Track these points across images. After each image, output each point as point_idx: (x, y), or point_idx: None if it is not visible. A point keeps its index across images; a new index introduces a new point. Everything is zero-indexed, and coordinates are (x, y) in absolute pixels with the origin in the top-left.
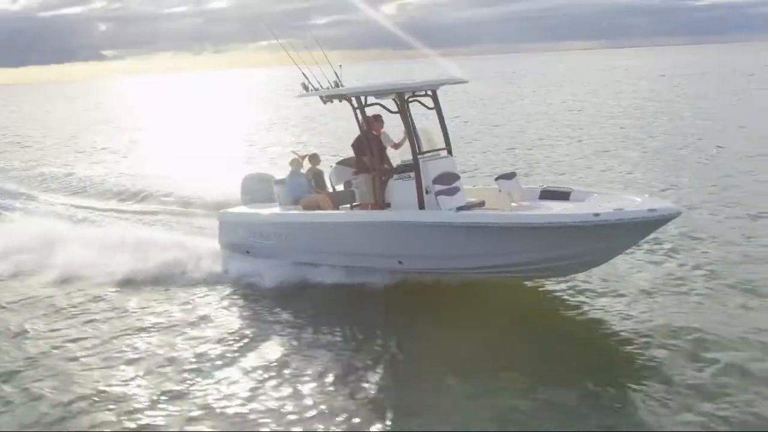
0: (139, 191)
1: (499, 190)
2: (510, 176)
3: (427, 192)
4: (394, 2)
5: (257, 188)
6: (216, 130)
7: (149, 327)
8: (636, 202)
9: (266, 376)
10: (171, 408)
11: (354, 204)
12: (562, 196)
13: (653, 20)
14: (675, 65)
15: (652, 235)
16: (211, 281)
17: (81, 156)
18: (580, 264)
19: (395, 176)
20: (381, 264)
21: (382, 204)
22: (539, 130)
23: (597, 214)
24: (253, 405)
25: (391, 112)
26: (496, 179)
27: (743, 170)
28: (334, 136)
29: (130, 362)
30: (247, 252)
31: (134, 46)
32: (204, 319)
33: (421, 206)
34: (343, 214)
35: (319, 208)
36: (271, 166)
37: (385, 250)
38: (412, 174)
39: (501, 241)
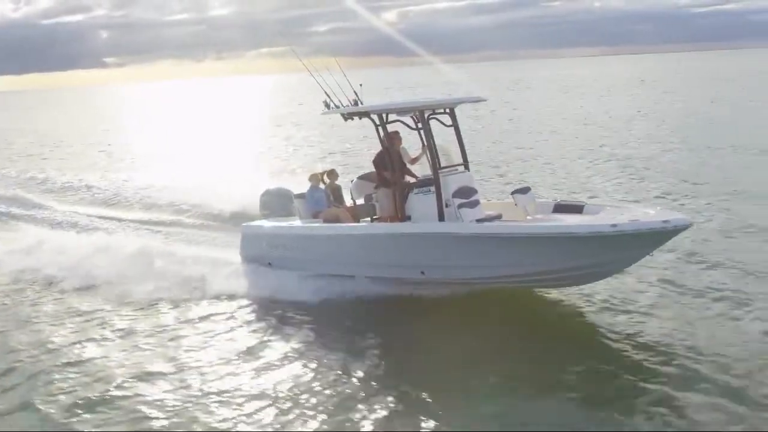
0: (151, 202)
1: (515, 204)
2: (525, 190)
3: (447, 205)
4: (395, 9)
5: (276, 203)
6: (223, 139)
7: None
8: (650, 214)
9: (275, 379)
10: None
11: (374, 217)
12: (576, 209)
13: (656, 27)
14: (681, 72)
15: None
16: (228, 294)
17: (91, 165)
18: (596, 273)
19: (415, 190)
20: (403, 274)
21: (402, 217)
22: (542, 142)
23: (614, 225)
24: (257, 406)
25: (411, 128)
26: (512, 193)
27: (750, 178)
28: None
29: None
30: (269, 264)
31: (136, 54)
32: (216, 330)
33: (441, 219)
34: (368, 226)
35: (339, 221)
36: (272, 177)
37: (408, 261)
38: (432, 188)
39: (522, 251)
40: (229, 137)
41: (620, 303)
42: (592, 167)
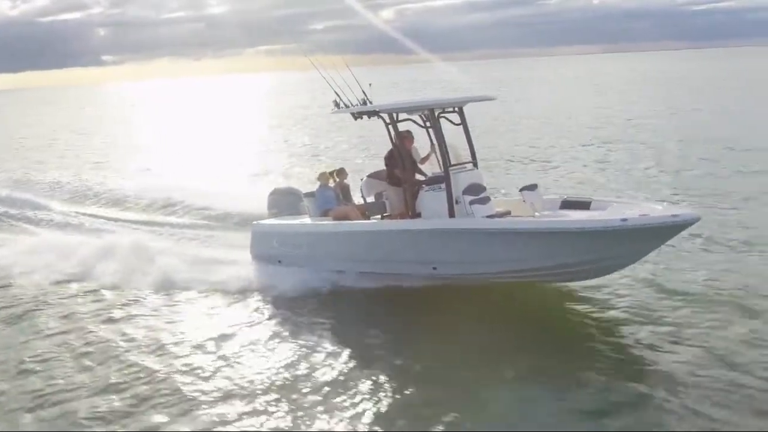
0: (154, 203)
1: (523, 201)
2: (532, 187)
3: (457, 202)
4: (393, 7)
5: (284, 201)
6: (226, 139)
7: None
8: (658, 209)
9: (279, 375)
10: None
11: (385, 215)
12: (583, 205)
13: (653, 25)
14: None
15: None
16: (235, 291)
17: (89, 164)
18: (606, 267)
19: (426, 187)
20: (415, 270)
21: (413, 214)
22: (541, 138)
23: (624, 219)
24: (258, 404)
25: (420, 126)
26: (520, 190)
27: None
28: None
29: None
30: (279, 262)
31: (133, 52)
32: (225, 325)
33: (452, 216)
34: (379, 223)
35: (348, 219)
36: (279, 176)
37: (420, 257)
38: (443, 185)
39: (533, 247)
40: (232, 137)
41: (628, 300)
42: (593, 164)
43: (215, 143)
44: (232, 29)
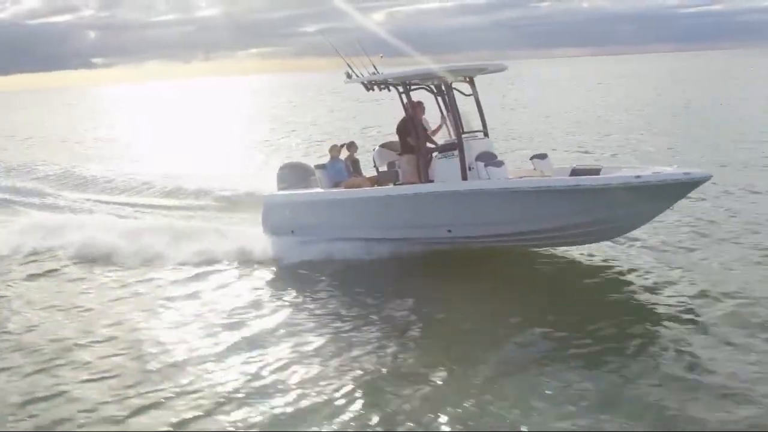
0: (159, 190)
1: (534, 169)
2: (543, 156)
3: (470, 169)
4: (384, 10)
5: (294, 176)
6: (226, 135)
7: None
8: (669, 170)
9: (273, 354)
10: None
11: (397, 183)
12: (593, 172)
13: (642, 28)
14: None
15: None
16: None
17: (100, 156)
18: (619, 227)
19: (438, 155)
20: (430, 234)
21: (425, 182)
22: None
23: (638, 177)
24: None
25: (432, 92)
26: (531, 158)
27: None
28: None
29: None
30: (292, 232)
31: (123, 54)
32: (230, 297)
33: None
34: (395, 188)
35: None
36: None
37: (435, 221)
38: (455, 152)
39: (550, 205)
40: (231, 134)
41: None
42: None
43: (220, 138)
44: (223, 32)
